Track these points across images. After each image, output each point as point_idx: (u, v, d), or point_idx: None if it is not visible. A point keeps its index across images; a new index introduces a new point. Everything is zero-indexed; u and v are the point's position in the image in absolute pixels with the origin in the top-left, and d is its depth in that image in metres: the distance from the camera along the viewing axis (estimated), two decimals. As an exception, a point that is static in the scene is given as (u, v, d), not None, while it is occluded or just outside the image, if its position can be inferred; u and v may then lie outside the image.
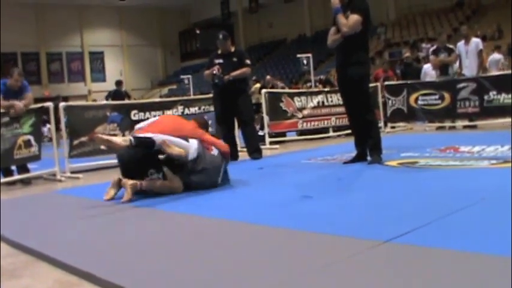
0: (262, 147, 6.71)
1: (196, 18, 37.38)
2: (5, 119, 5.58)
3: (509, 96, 7.88)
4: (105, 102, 7.77)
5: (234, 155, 6.37)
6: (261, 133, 8.20)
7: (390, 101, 9.30)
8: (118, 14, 34.72)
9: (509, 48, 12.58)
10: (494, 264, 1.80)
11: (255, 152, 6.30)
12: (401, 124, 9.59)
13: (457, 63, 9.14)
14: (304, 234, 2.46)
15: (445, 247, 2.03)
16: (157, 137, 3.85)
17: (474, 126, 8.59)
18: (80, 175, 6.09)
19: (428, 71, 9.64)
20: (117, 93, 12.77)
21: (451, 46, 9.13)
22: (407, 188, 3.55)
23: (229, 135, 6.50)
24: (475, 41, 8.92)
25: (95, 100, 22.04)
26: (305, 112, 8.88)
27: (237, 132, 7.05)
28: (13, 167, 6.00)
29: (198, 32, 35.54)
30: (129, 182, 3.82)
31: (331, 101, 9.16)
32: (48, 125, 7.45)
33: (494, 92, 8.05)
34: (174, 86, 32.46)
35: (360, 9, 4.68)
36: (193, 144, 3.97)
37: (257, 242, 2.44)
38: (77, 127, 6.45)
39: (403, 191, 3.44)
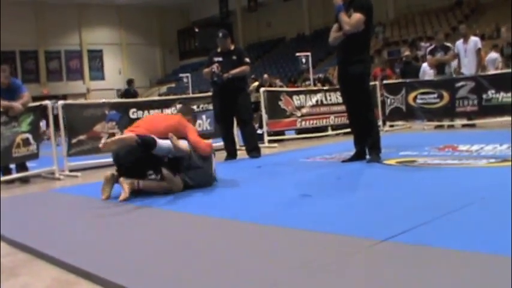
0: (260, 145, 6.71)
1: (195, 17, 37.35)
2: (4, 118, 5.57)
3: (508, 95, 7.89)
4: (103, 100, 7.73)
5: (232, 153, 6.39)
6: (259, 132, 8.20)
7: (389, 100, 9.30)
8: (117, 12, 34.65)
9: (502, 48, 12.58)
10: (494, 264, 1.80)
11: (253, 151, 6.30)
12: (399, 123, 9.60)
13: (455, 62, 9.15)
14: (303, 233, 2.46)
15: (444, 246, 2.03)
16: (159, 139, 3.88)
17: (473, 125, 8.60)
18: (78, 173, 6.09)
19: (427, 70, 9.64)
20: (127, 92, 13.04)
21: (448, 44, 9.13)
22: (405, 186, 3.55)
23: (228, 134, 6.50)
24: (474, 39, 8.92)
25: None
26: (304, 111, 8.88)
27: (236, 131, 7.05)
28: (12, 166, 5.99)
29: (196, 30, 35.51)
30: (127, 181, 3.82)
31: (330, 100, 9.16)
32: (44, 121, 7.45)
33: (493, 91, 8.05)
34: (173, 85, 32.43)
35: (363, 8, 4.67)
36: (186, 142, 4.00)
37: (255, 241, 2.44)
38: (75, 125, 6.44)
39: (402, 189, 3.44)
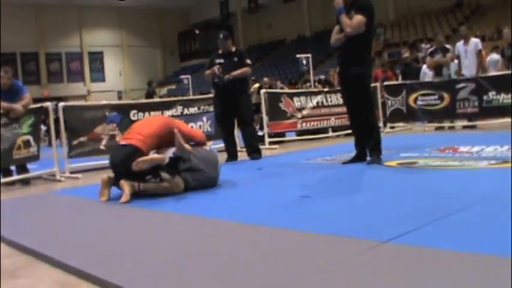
0: (261, 147, 6.70)
1: (196, 19, 37.38)
2: (4, 120, 5.57)
3: (509, 96, 7.88)
4: (104, 102, 7.75)
5: (233, 155, 6.39)
6: (260, 133, 8.20)
7: (389, 101, 9.29)
8: (117, 14, 34.71)
9: (503, 49, 12.57)
10: (494, 264, 1.80)
11: (254, 152, 6.29)
12: (400, 124, 9.59)
13: (455, 63, 9.14)
14: (304, 234, 2.46)
15: (445, 247, 2.03)
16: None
17: (473, 127, 8.59)
18: (79, 175, 6.09)
19: (427, 71, 9.64)
20: (148, 93, 14.07)
21: (448, 46, 9.12)
22: (406, 188, 3.55)
23: (229, 135, 6.50)
24: (474, 41, 8.91)
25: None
26: (304, 112, 8.88)
27: (237, 132, 7.05)
28: (12, 167, 6.00)
29: (197, 32, 35.55)
30: (127, 183, 3.82)
31: (331, 101, 9.16)
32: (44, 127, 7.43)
33: (494, 92, 8.05)
34: (174, 86, 32.44)
35: (364, 10, 4.67)
36: (170, 150, 4.06)
37: (256, 242, 2.44)
38: (76, 127, 6.44)
39: (403, 191, 3.44)
